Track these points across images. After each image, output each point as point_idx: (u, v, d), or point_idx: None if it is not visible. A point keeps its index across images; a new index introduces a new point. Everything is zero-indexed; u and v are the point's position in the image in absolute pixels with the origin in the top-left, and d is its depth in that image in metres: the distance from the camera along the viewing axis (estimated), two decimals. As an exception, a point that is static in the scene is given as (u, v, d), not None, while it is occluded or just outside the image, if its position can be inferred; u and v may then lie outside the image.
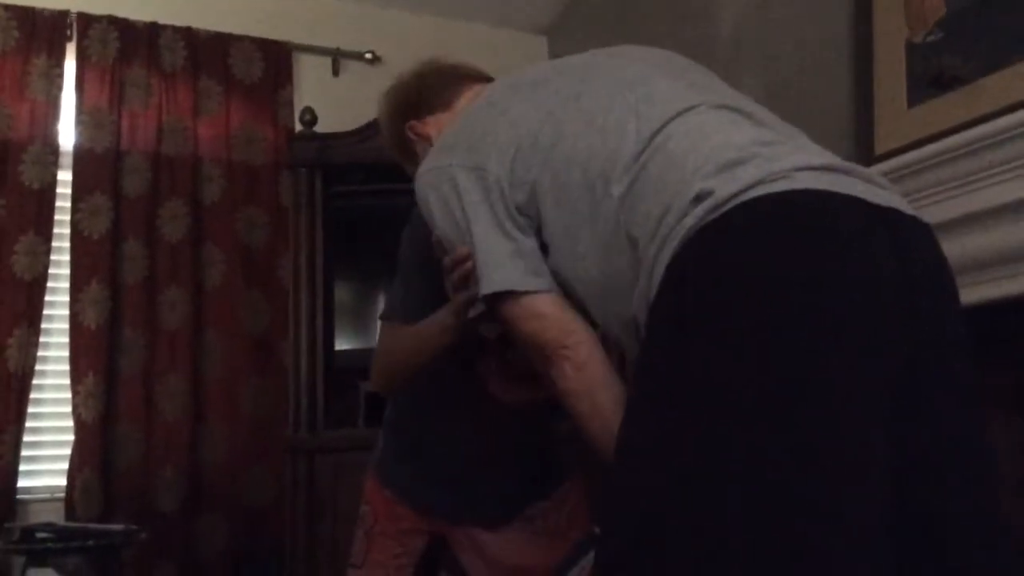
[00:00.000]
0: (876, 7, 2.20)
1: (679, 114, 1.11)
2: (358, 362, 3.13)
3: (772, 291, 0.93)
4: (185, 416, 3.05)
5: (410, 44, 3.56)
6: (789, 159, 1.03)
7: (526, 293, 1.18)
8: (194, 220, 3.18)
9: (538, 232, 1.20)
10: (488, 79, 1.55)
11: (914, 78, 2.07)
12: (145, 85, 3.19)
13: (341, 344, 3.14)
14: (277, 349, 3.20)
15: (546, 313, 1.19)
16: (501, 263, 1.19)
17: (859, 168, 1.08)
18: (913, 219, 1.06)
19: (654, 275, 1.03)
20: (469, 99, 1.47)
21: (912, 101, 2.07)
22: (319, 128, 3.15)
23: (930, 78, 2.02)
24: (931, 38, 2.05)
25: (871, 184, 1.05)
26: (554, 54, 3.84)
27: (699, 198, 1.00)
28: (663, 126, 1.10)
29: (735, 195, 0.98)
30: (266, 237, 3.27)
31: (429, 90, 1.53)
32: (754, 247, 0.96)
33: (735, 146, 1.05)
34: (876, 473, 0.91)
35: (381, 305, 3.18)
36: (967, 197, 1.74)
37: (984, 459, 1.03)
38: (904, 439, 0.94)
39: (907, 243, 1.02)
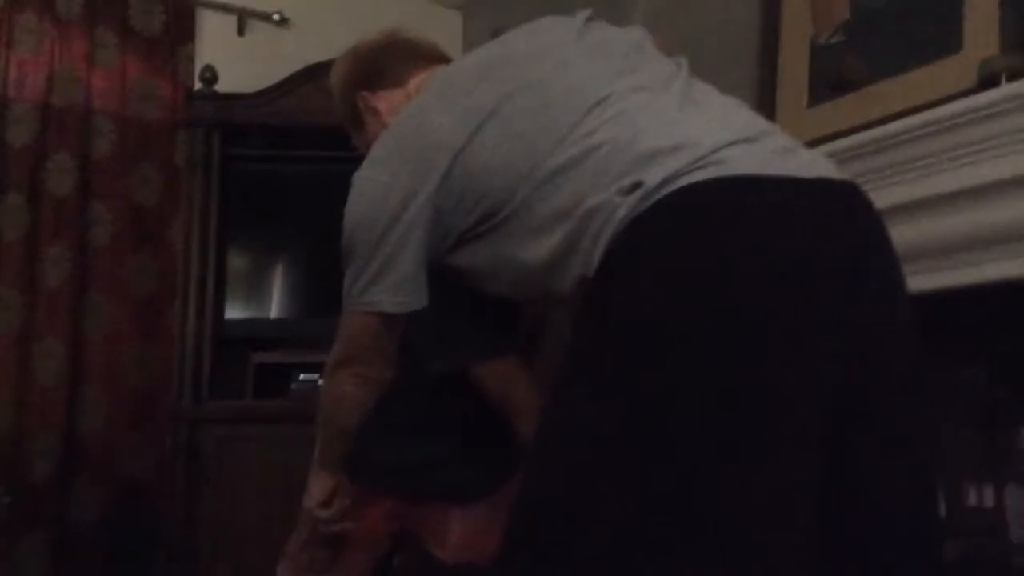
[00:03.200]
0: (784, 5, 2.23)
1: (600, 102, 1.12)
2: (250, 331, 3.06)
3: (704, 288, 0.95)
4: (63, 380, 2.92)
5: (320, 9, 3.47)
6: (714, 136, 1.04)
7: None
8: (82, 175, 3.03)
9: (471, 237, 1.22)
10: (446, 60, 1.56)
11: (816, 78, 2.12)
12: (37, 32, 3.03)
13: (232, 312, 3.05)
14: (165, 314, 3.08)
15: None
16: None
17: (779, 136, 1.10)
18: (843, 185, 1.07)
19: (590, 264, 1.04)
20: (420, 81, 1.47)
21: (813, 100, 2.12)
22: (220, 88, 3.04)
23: (830, 80, 2.06)
24: (835, 40, 2.09)
25: (795, 154, 1.07)
26: (468, 31, 3.80)
27: (629, 188, 1.01)
28: (584, 118, 1.11)
29: (662, 184, 0.99)
30: (158, 197, 3.15)
31: (385, 64, 1.53)
32: (681, 242, 0.98)
33: (658, 131, 1.06)
34: (806, 480, 0.93)
35: (278, 275, 3.16)
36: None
37: (928, 450, 1.06)
38: (845, 434, 0.97)
39: (842, 219, 1.03)
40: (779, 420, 0.92)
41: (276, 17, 3.42)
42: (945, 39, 1.80)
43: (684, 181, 0.99)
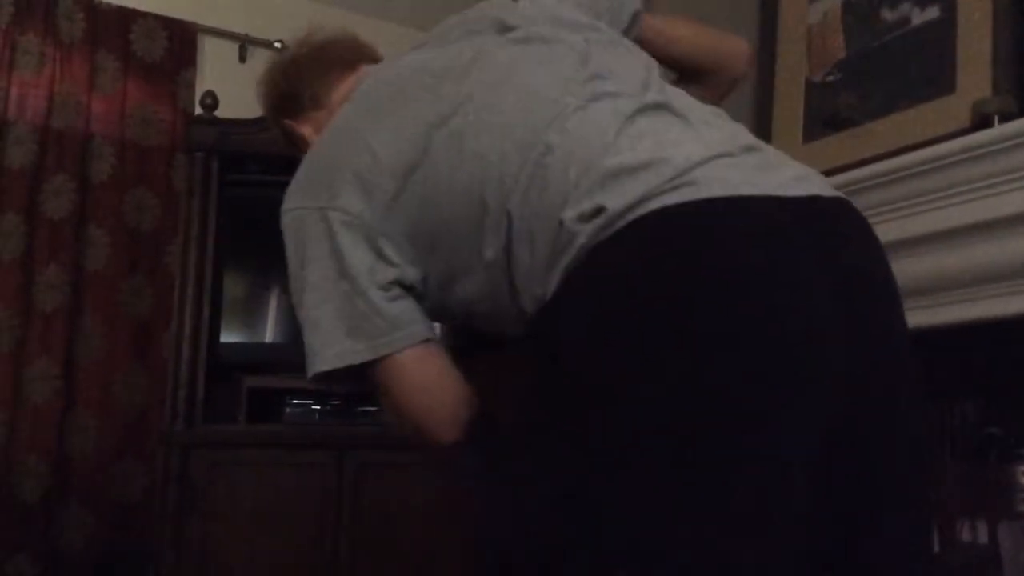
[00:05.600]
0: (780, 43, 2.27)
1: (555, 119, 1.00)
2: (244, 356, 3.06)
3: (662, 333, 0.85)
4: (55, 402, 2.91)
5: (321, 38, 3.50)
6: (688, 151, 0.93)
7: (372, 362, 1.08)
8: (79, 198, 3.04)
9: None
10: (370, 56, 1.42)
11: (811, 115, 2.15)
12: (39, 54, 3.05)
13: (228, 337, 3.05)
14: (159, 338, 3.08)
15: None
16: (331, 339, 1.11)
17: (763, 151, 1.00)
18: (835, 202, 0.97)
19: (542, 298, 0.95)
20: (344, 92, 1.33)
21: (807, 137, 2.15)
22: (220, 114, 3.06)
23: (825, 117, 2.09)
24: (830, 78, 2.12)
25: (779, 170, 0.97)
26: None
27: (590, 214, 0.92)
28: (541, 137, 0.99)
29: (627, 209, 0.89)
30: (155, 221, 3.15)
31: (300, 88, 1.40)
32: (642, 280, 0.87)
33: (623, 145, 0.95)
34: (793, 523, 0.86)
35: (273, 299, 3.16)
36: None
37: (924, 495, 1.00)
38: (839, 479, 0.89)
39: (835, 242, 0.93)
40: (756, 489, 0.84)
41: (278, 45, 3.44)
42: (938, 80, 1.84)
43: (653, 205, 0.88)
